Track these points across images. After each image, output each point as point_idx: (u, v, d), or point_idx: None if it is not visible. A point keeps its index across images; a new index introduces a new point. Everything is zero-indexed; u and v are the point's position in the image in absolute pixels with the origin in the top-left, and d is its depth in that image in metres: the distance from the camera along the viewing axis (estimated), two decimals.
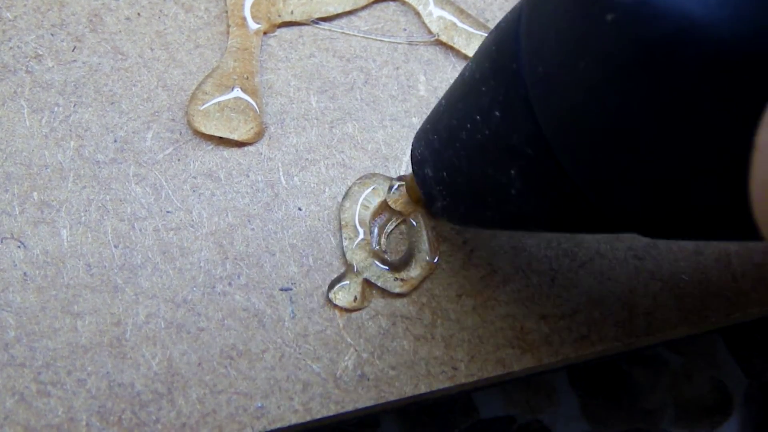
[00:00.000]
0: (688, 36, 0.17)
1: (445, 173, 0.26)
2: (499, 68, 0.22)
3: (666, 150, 0.18)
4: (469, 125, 0.24)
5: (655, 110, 0.18)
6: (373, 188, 0.30)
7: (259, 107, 0.31)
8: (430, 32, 0.33)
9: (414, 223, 0.30)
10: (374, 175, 0.31)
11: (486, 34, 0.33)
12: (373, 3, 0.33)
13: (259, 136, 0.31)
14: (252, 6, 0.32)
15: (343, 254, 0.30)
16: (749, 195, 0.18)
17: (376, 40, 0.33)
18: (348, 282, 0.29)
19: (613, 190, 0.20)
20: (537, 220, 0.24)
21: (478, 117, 0.23)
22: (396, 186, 0.30)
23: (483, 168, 0.24)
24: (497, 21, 0.34)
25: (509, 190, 0.23)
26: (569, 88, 0.19)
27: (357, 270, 0.29)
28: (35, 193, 0.29)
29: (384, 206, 0.30)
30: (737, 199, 0.18)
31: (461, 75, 0.25)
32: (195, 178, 0.30)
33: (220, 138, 0.31)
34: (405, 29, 0.33)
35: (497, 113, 0.22)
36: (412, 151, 0.28)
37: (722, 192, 0.19)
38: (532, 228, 0.25)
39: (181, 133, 0.31)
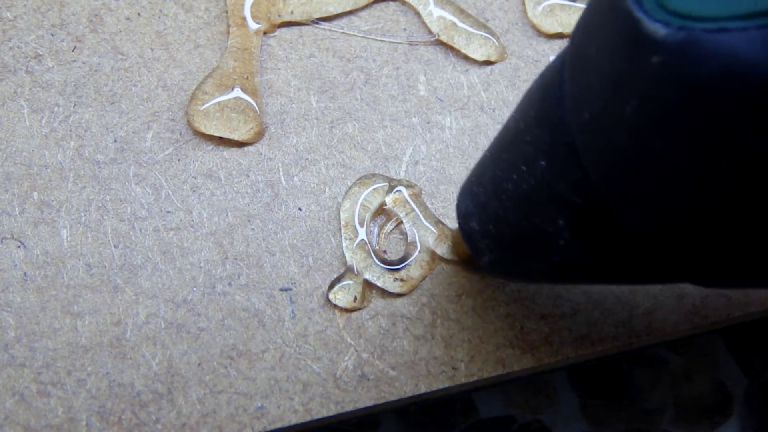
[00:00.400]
0: (735, 75, 0.17)
1: (491, 226, 0.25)
2: (543, 116, 0.22)
3: (714, 192, 0.18)
4: (514, 176, 0.23)
5: (702, 151, 0.18)
6: (373, 188, 0.30)
7: (259, 107, 0.31)
8: (430, 32, 0.33)
9: (414, 222, 0.30)
10: (374, 175, 0.31)
11: (486, 34, 0.33)
12: (373, 3, 0.33)
13: (259, 136, 0.31)
14: (252, 6, 0.32)
15: (343, 254, 0.30)
16: None
17: (377, 40, 0.33)
18: (348, 282, 0.29)
19: (664, 236, 0.20)
20: (586, 272, 0.24)
21: (523, 167, 0.23)
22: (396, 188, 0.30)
23: (530, 219, 0.23)
24: (497, 20, 0.34)
25: (557, 240, 0.23)
26: (615, 133, 0.19)
27: (357, 270, 0.29)
28: (35, 193, 0.29)
29: (384, 206, 0.30)
30: None
31: (505, 125, 0.25)
32: (195, 178, 0.30)
33: (220, 138, 0.31)
34: (405, 29, 0.33)
35: (543, 162, 0.22)
36: (457, 205, 0.27)
37: None
38: (581, 280, 0.25)
39: (181, 133, 0.31)
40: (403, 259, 0.30)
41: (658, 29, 0.17)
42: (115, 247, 0.29)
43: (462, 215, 0.27)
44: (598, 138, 0.20)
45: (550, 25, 0.34)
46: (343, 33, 0.33)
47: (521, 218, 0.24)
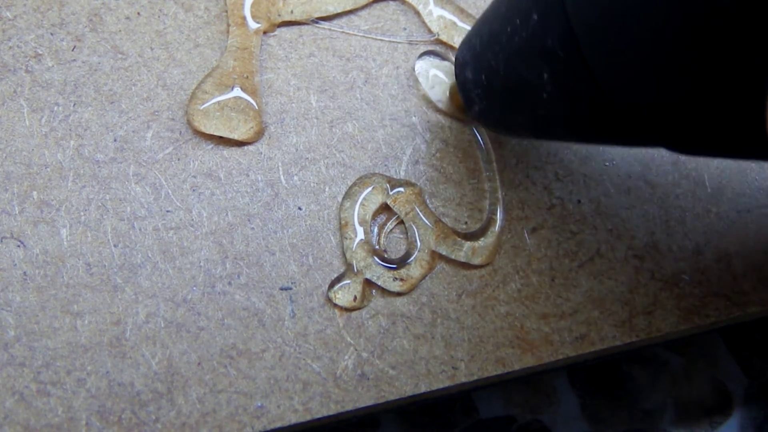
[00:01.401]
0: None
1: (483, 75, 0.27)
2: None
3: (691, 55, 0.19)
4: (508, 28, 0.25)
5: (683, 11, 0.18)
6: (373, 188, 0.30)
7: (258, 106, 0.31)
8: (430, 31, 0.33)
9: (414, 222, 0.30)
10: (374, 174, 0.31)
11: None
12: (372, 2, 0.33)
13: (258, 135, 0.31)
14: (252, 5, 0.32)
15: (343, 253, 0.30)
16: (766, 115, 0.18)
17: (376, 39, 0.33)
18: (348, 281, 0.29)
19: (639, 95, 0.21)
20: (565, 126, 0.25)
21: (517, 20, 0.24)
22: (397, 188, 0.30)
23: (518, 70, 0.25)
24: None
25: (541, 93, 0.24)
26: None
27: (357, 269, 0.29)
28: (35, 193, 0.29)
29: (384, 206, 0.30)
30: (756, 115, 0.19)
31: None
32: (195, 177, 0.30)
33: (220, 137, 0.31)
34: (405, 28, 0.33)
35: (535, 16, 0.23)
36: (456, 55, 0.29)
37: (742, 103, 0.19)
38: (560, 135, 0.26)
39: (180, 133, 0.31)
40: (403, 259, 0.30)
41: None
42: (114, 246, 0.29)
43: (459, 64, 0.28)
44: None
45: None
46: (342, 32, 0.33)
47: (510, 69, 0.25)
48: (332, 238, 0.30)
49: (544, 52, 0.23)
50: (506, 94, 0.26)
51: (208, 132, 0.30)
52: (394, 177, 0.31)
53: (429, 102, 0.32)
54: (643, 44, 0.20)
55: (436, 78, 0.32)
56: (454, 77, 0.29)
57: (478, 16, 0.33)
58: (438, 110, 0.32)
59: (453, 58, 0.33)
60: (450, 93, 0.31)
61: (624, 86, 0.21)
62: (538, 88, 0.24)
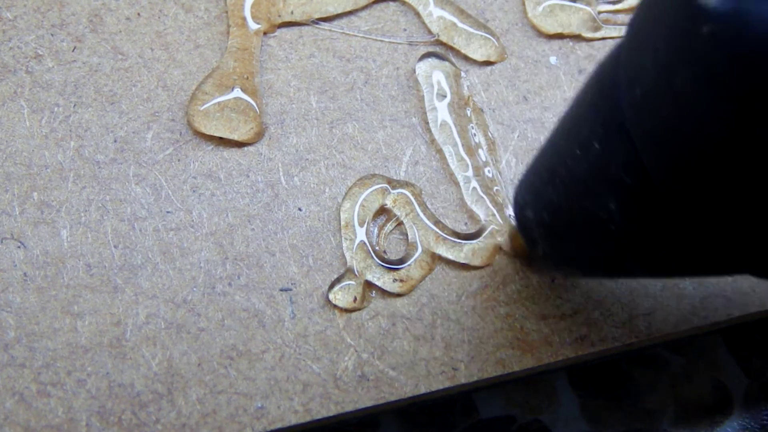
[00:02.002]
0: None
1: (545, 213, 0.26)
2: (598, 100, 0.22)
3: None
4: (568, 161, 0.24)
5: (753, 123, 0.18)
6: (373, 189, 0.30)
7: (259, 107, 0.31)
8: (430, 32, 0.33)
9: (414, 223, 0.30)
10: (374, 175, 0.31)
11: (486, 34, 0.33)
12: (373, 3, 0.33)
13: (259, 136, 0.31)
14: (252, 6, 0.32)
15: (343, 255, 0.30)
16: None
17: (377, 40, 0.33)
18: (348, 282, 0.29)
19: (716, 216, 0.20)
20: (640, 261, 0.24)
21: (577, 151, 0.23)
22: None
23: (582, 203, 0.23)
24: (497, 21, 0.34)
25: (609, 225, 0.23)
26: (664, 106, 0.19)
27: (357, 270, 0.29)
28: (35, 194, 0.29)
29: (384, 207, 0.30)
30: None
31: (563, 114, 0.25)
32: (195, 178, 0.30)
33: (220, 138, 0.31)
34: (405, 29, 0.33)
35: (596, 144, 0.22)
36: (514, 196, 0.28)
37: None
38: (635, 272, 0.25)
39: (181, 134, 0.31)
40: (403, 260, 0.30)
41: (709, 0, 0.17)
42: (115, 247, 0.29)
43: (518, 205, 0.27)
44: (648, 114, 0.20)
45: (550, 26, 0.34)
46: (343, 33, 0.33)
47: (574, 203, 0.24)
48: (332, 239, 0.30)
49: (610, 181, 0.22)
50: (571, 230, 0.25)
51: (208, 133, 0.30)
52: (394, 178, 0.31)
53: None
54: (718, 166, 0.19)
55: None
56: (514, 220, 0.28)
57: (477, 17, 0.33)
58: None
59: (453, 59, 0.33)
60: (510, 235, 0.31)
61: (702, 211, 0.20)
62: (605, 221, 0.23)
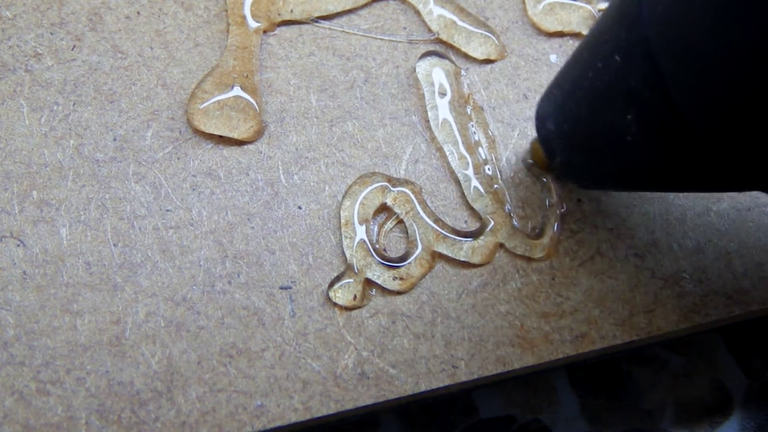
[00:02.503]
0: None
1: (565, 125, 0.26)
2: (622, 14, 0.23)
3: None
4: (590, 73, 0.24)
5: None
6: (373, 187, 0.30)
7: (258, 106, 0.31)
8: (430, 31, 0.33)
9: (414, 221, 0.30)
10: (374, 173, 0.31)
11: (486, 33, 0.33)
12: (373, 1, 0.33)
13: (258, 134, 0.31)
14: (252, 4, 0.32)
15: (343, 253, 0.30)
16: None
17: (376, 38, 0.33)
18: (348, 280, 0.29)
19: (731, 133, 0.20)
20: (654, 174, 0.24)
21: (599, 64, 0.24)
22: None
23: (602, 115, 0.24)
24: (497, 19, 0.34)
25: (625, 137, 0.23)
26: (686, 22, 0.20)
27: (357, 268, 0.29)
28: (35, 192, 0.29)
29: (384, 205, 0.30)
30: None
31: (590, 29, 0.26)
32: (195, 176, 0.30)
33: (220, 136, 0.31)
34: (405, 28, 0.33)
35: (617, 57, 0.23)
36: (537, 110, 0.29)
37: None
38: (648, 184, 0.26)
39: (180, 132, 0.31)
40: (403, 258, 0.30)
41: None
42: (114, 245, 0.29)
43: (539, 118, 0.28)
44: (669, 30, 0.20)
45: (550, 24, 0.34)
46: (342, 31, 0.33)
47: (594, 115, 0.25)
48: (332, 237, 0.30)
49: (629, 93, 0.23)
50: (590, 141, 0.25)
51: (208, 131, 0.30)
52: (394, 176, 0.31)
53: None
54: (736, 80, 0.19)
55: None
56: (536, 131, 0.29)
57: (477, 15, 0.33)
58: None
59: (453, 58, 0.33)
60: (531, 148, 0.31)
61: (715, 125, 0.20)
62: (622, 132, 0.23)
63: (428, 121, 0.32)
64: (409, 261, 0.30)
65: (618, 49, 0.23)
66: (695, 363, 0.34)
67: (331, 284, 0.29)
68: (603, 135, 0.24)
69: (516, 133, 0.32)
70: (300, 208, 0.30)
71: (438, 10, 0.33)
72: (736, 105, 0.19)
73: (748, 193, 0.32)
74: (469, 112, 0.32)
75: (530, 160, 0.31)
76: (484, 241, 0.30)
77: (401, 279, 0.29)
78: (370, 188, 0.30)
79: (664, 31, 0.21)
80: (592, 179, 0.28)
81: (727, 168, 0.21)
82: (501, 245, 0.30)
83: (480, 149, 0.32)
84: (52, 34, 0.31)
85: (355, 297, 0.29)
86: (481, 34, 0.33)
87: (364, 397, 0.28)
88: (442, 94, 0.32)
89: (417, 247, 0.30)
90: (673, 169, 0.23)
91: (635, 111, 0.23)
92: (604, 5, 0.34)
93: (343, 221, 0.30)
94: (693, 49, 0.20)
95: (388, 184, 0.30)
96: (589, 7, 0.34)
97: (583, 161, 0.27)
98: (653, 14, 0.21)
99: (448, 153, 0.31)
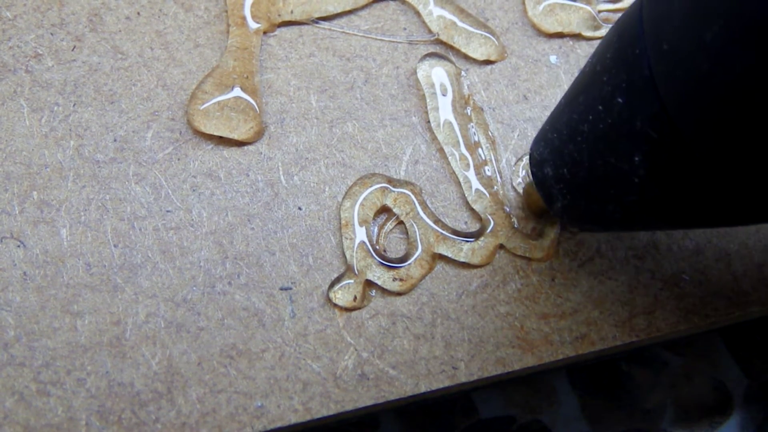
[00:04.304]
0: None
1: (565, 170, 0.26)
2: (621, 56, 0.23)
3: None
4: (590, 117, 0.24)
5: None
6: (373, 188, 0.30)
7: (258, 107, 0.31)
8: (430, 31, 0.33)
9: (414, 222, 0.30)
10: (374, 174, 0.31)
11: (486, 33, 0.33)
12: (373, 2, 0.33)
13: (258, 135, 0.31)
14: (252, 5, 0.32)
15: (343, 253, 0.30)
16: None
17: (376, 39, 0.33)
18: (348, 281, 0.29)
19: (746, 169, 0.20)
20: (660, 213, 0.24)
21: (600, 107, 0.23)
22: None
23: (605, 158, 0.24)
24: (497, 20, 0.34)
25: (632, 178, 0.23)
26: (695, 58, 0.19)
27: (357, 269, 0.29)
28: (35, 193, 0.29)
29: (384, 206, 0.30)
30: None
31: (581, 72, 0.25)
32: (195, 177, 0.30)
33: (220, 137, 0.31)
34: (405, 28, 0.33)
35: (620, 99, 0.22)
36: (530, 154, 0.28)
37: None
38: (654, 222, 0.25)
39: (180, 133, 0.31)
40: (403, 259, 0.30)
41: None
42: (114, 246, 0.29)
43: (535, 163, 0.28)
44: (676, 67, 0.20)
45: (550, 25, 0.34)
46: (343, 32, 0.33)
47: (596, 159, 0.24)
48: (332, 238, 0.30)
49: (635, 134, 0.22)
50: (593, 184, 0.25)
51: (208, 132, 0.30)
52: (394, 177, 0.31)
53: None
54: (749, 115, 0.19)
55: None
56: (531, 177, 0.28)
57: (477, 16, 0.33)
58: None
59: (453, 58, 0.33)
60: (525, 193, 0.31)
61: (728, 161, 0.20)
62: (629, 174, 0.23)
63: (428, 122, 0.32)
64: (409, 262, 0.30)
65: (619, 90, 0.22)
66: (695, 363, 0.34)
67: (331, 285, 0.29)
68: (607, 178, 0.24)
69: (516, 134, 0.32)
70: (300, 209, 0.30)
71: (438, 11, 0.33)
72: (750, 141, 0.19)
73: None
74: (469, 113, 0.32)
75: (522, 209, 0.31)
76: (484, 242, 0.30)
77: (401, 280, 0.29)
78: (370, 189, 0.30)
79: (671, 69, 0.20)
80: (596, 222, 0.27)
81: (743, 203, 0.21)
82: (501, 246, 0.30)
83: (480, 150, 0.32)
84: (52, 34, 0.31)
85: (355, 298, 0.29)
86: (481, 35, 0.33)
87: (364, 398, 0.28)
88: (443, 96, 0.32)
89: (417, 248, 0.30)
90: (684, 207, 0.23)
91: (643, 152, 0.22)
92: (604, 6, 0.34)
93: (343, 222, 0.30)
94: (703, 85, 0.19)
95: (388, 185, 0.30)
96: (588, 8, 0.34)
97: (586, 205, 0.26)
98: (657, 53, 0.21)
99: (449, 154, 0.31)
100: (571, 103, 0.25)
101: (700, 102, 0.20)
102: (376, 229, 0.30)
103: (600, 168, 0.24)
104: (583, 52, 0.34)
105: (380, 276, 0.29)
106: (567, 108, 0.26)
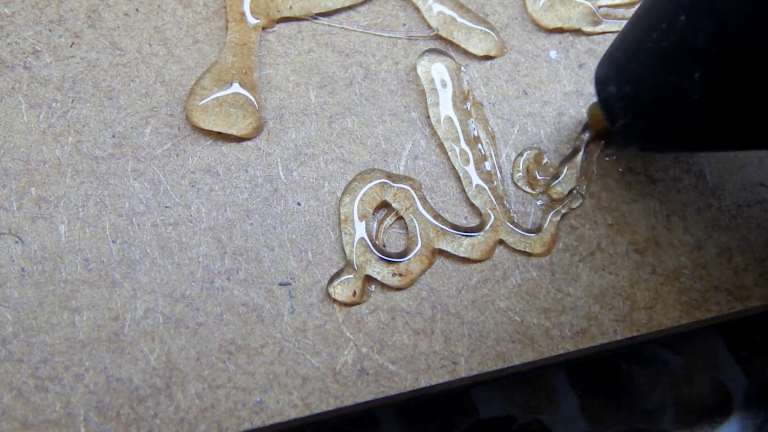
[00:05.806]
0: None
1: (628, 87, 0.27)
2: None
3: None
4: (654, 35, 0.25)
5: None
6: (373, 183, 0.30)
7: (257, 102, 0.31)
8: (429, 27, 0.33)
9: (414, 217, 0.30)
10: (374, 170, 0.31)
11: (485, 29, 0.33)
12: None
13: (257, 131, 0.31)
14: (251, 1, 0.32)
15: (343, 249, 0.30)
16: None
17: (376, 35, 0.33)
18: (347, 277, 0.29)
19: None
20: (719, 133, 0.25)
21: (663, 25, 0.24)
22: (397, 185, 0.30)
23: (667, 75, 0.24)
24: (497, 15, 0.34)
25: (692, 95, 0.24)
26: None
27: (356, 265, 0.29)
28: (33, 189, 0.29)
29: (383, 201, 0.30)
30: None
31: None
32: (193, 173, 0.30)
33: (219, 133, 0.31)
34: (404, 24, 0.33)
35: (683, 17, 0.23)
36: (596, 74, 0.29)
37: None
38: (712, 144, 0.26)
39: (179, 129, 0.31)
40: (403, 254, 0.30)
41: None
42: (113, 242, 0.29)
43: (600, 82, 0.28)
44: None
45: (550, 20, 0.34)
46: (342, 28, 0.33)
47: (658, 75, 0.25)
48: (331, 233, 0.30)
49: (696, 52, 0.23)
50: (654, 101, 0.26)
51: (206, 128, 0.30)
52: (394, 172, 0.31)
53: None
54: None
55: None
56: (596, 96, 0.29)
57: (477, 11, 0.33)
58: None
59: (452, 54, 0.33)
60: (589, 114, 0.31)
61: None
62: (689, 91, 0.24)
63: (428, 117, 0.32)
64: (408, 257, 0.30)
65: (682, 8, 0.23)
66: (695, 363, 0.34)
67: (331, 280, 0.29)
68: (668, 95, 0.25)
69: (516, 129, 0.32)
70: (299, 204, 0.30)
71: (437, 7, 0.33)
72: None
73: (748, 189, 0.32)
74: (468, 109, 0.32)
75: (585, 133, 0.32)
76: (484, 237, 0.30)
77: (401, 275, 0.29)
78: (369, 185, 0.30)
79: None
80: (655, 141, 0.28)
81: None
82: (501, 241, 0.30)
83: (480, 145, 0.32)
84: (50, 31, 0.31)
85: (354, 293, 0.29)
86: (481, 30, 0.33)
87: (364, 393, 0.28)
88: (443, 91, 0.32)
89: (417, 243, 0.30)
90: (741, 125, 0.24)
91: (703, 70, 0.23)
92: (604, 1, 0.34)
93: (342, 217, 0.30)
94: (763, 4, 0.20)
95: (387, 180, 0.30)
96: (588, 3, 0.34)
97: (647, 123, 0.27)
98: None
99: (449, 149, 0.31)
100: (635, 22, 0.26)
101: (759, 20, 0.20)
102: (375, 225, 0.30)
103: (662, 85, 0.25)
104: (583, 48, 0.34)
105: (380, 271, 0.29)
106: (632, 28, 0.26)
